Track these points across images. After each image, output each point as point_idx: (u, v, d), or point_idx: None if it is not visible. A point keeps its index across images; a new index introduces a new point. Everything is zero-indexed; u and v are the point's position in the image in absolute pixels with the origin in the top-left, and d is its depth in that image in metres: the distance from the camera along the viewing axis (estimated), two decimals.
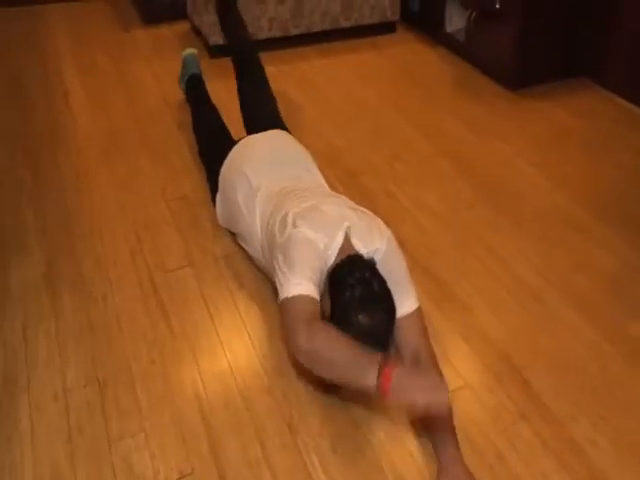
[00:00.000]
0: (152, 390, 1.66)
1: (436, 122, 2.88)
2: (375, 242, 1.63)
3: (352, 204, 1.80)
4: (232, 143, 2.18)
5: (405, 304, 1.61)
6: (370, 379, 1.26)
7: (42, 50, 3.40)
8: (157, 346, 1.77)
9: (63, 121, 2.80)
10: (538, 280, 2.02)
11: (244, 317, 1.87)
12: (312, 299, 1.43)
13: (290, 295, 1.44)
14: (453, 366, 1.73)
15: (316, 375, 1.41)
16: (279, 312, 1.51)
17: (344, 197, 1.88)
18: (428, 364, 1.58)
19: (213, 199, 2.20)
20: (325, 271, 1.55)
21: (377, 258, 1.60)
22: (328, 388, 1.64)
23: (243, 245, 2.03)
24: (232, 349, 1.77)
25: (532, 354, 1.78)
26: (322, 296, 1.54)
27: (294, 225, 1.59)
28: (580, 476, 1.48)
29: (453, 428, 1.48)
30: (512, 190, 2.45)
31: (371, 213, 1.76)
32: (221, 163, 2.12)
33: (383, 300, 1.51)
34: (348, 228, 1.60)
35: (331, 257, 1.56)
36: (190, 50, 2.89)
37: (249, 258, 2.03)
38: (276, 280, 1.54)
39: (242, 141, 2.15)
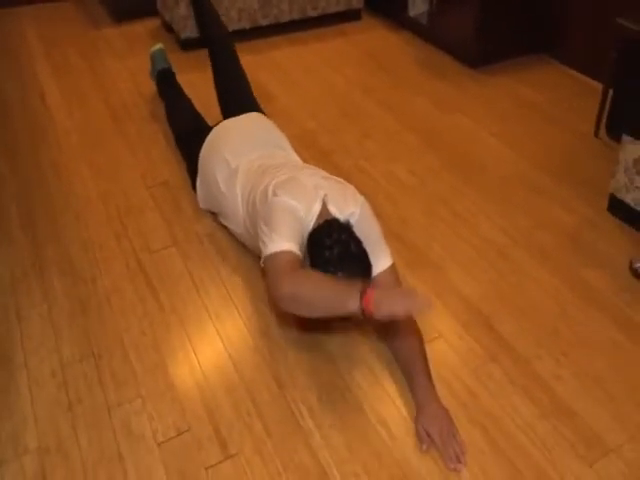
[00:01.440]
0: (145, 359, 1.75)
1: (402, 101, 3.00)
2: (350, 207, 1.74)
3: (325, 174, 1.91)
4: (208, 128, 2.27)
5: (380, 261, 1.73)
6: (353, 305, 1.37)
7: (14, 52, 3.46)
8: (147, 319, 1.87)
9: (41, 119, 2.86)
10: (503, 239, 2.16)
11: (228, 287, 1.97)
12: (293, 253, 1.54)
13: (272, 251, 1.54)
14: (428, 320, 1.85)
15: (303, 317, 1.53)
16: (264, 274, 1.60)
17: (318, 168, 1.99)
18: (404, 327, 1.70)
19: (193, 184, 2.30)
20: (305, 236, 1.66)
21: (352, 221, 1.72)
22: (310, 326, 1.77)
23: (225, 223, 2.13)
24: (219, 316, 1.88)
25: (498, 303, 1.91)
26: (303, 258, 1.65)
27: (274, 194, 1.70)
28: (547, 407, 1.61)
29: (428, 371, 1.60)
30: (476, 159, 2.58)
31: (344, 181, 1.87)
32: (199, 148, 2.21)
33: (360, 259, 1.63)
34: (325, 196, 1.71)
35: (310, 224, 1.67)
36: (157, 46, 2.97)
37: (230, 235, 2.14)
38: (260, 244, 1.64)
39: (219, 125, 2.25)
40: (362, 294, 1.36)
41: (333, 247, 1.58)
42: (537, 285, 1.98)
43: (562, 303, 1.91)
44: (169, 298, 1.94)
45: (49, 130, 2.78)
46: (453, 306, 1.91)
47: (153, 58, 2.94)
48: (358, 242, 1.64)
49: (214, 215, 2.22)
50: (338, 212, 1.71)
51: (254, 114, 2.30)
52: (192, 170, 2.29)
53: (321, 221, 1.66)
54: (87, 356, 1.76)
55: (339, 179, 1.88)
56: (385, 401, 1.62)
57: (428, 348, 1.70)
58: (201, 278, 2.01)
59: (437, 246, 2.13)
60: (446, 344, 1.79)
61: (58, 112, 2.91)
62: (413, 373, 1.61)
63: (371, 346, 1.78)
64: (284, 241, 1.55)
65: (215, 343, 1.80)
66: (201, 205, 2.27)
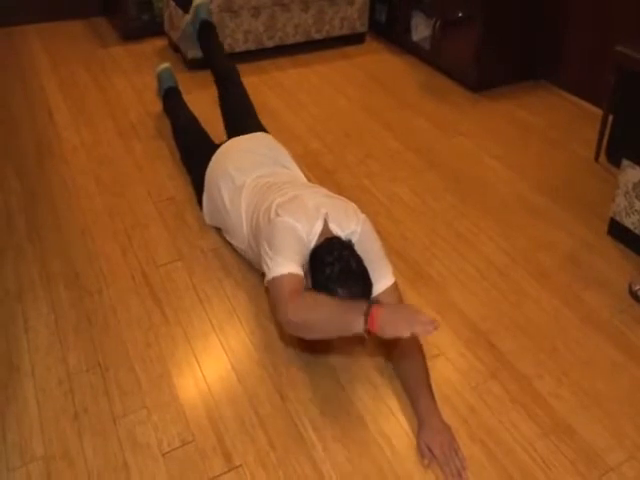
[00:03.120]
0: (150, 371, 1.77)
1: (404, 122, 3.06)
2: (351, 225, 1.78)
3: (328, 192, 1.96)
4: (214, 146, 2.32)
5: (382, 280, 1.76)
6: (358, 326, 1.39)
7: (23, 69, 3.51)
8: (152, 331, 1.89)
9: (49, 135, 2.90)
10: (504, 259, 2.19)
11: (232, 301, 2.00)
12: (296, 275, 1.58)
13: (277, 274, 1.58)
14: (429, 337, 1.87)
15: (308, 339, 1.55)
16: (268, 291, 1.65)
17: (320, 187, 2.03)
18: (407, 345, 1.73)
19: (198, 200, 2.33)
20: (307, 255, 1.69)
21: (354, 239, 1.75)
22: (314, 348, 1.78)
23: (229, 239, 2.17)
24: (223, 329, 1.90)
25: (499, 322, 1.94)
26: (305, 276, 1.68)
27: (277, 214, 1.74)
28: (547, 425, 1.64)
29: (430, 386, 1.63)
30: (477, 181, 2.63)
31: (346, 199, 1.91)
32: (205, 165, 2.25)
33: (360, 276, 1.65)
34: (326, 215, 1.75)
35: (311, 242, 1.70)
36: (164, 65, 3.03)
37: (235, 251, 2.17)
38: (263, 265, 1.68)
39: (225, 144, 2.29)
40: (367, 315, 1.38)
41: (334, 264, 1.61)
42: (537, 305, 2.01)
43: (562, 323, 1.95)
44: (174, 311, 1.96)
45: (57, 145, 2.82)
46: (454, 323, 1.94)
47: (160, 77, 2.99)
48: (359, 260, 1.67)
49: (219, 230, 2.26)
50: (339, 230, 1.74)
51: (260, 134, 2.35)
52: (198, 186, 2.33)
53: (322, 239, 1.69)
54: (93, 366, 1.78)
55: (341, 197, 1.92)
56: (387, 415, 1.65)
57: (429, 365, 1.72)
58: (206, 292, 2.04)
59: (438, 264, 2.17)
60: (447, 361, 1.81)
61: (66, 128, 2.96)
62: (415, 388, 1.64)
63: (373, 360, 1.81)
64: (287, 263, 1.59)
65: (219, 356, 1.82)
66: (207, 221, 2.30)
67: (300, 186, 2.01)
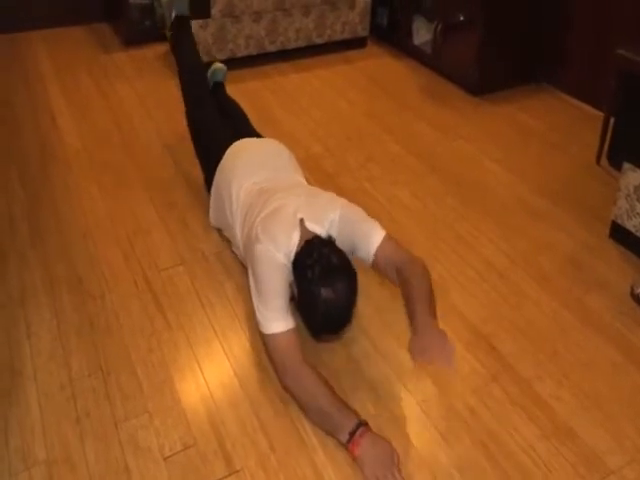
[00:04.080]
0: (152, 376, 1.78)
1: (406, 126, 3.07)
2: (329, 215, 1.79)
3: (315, 192, 1.98)
4: (226, 140, 2.27)
5: (373, 237, 1.77)
6: (342, 438, 1.53)
7: (26, 74, 3.53)
8: (155, 336, 1.90)
9: (52, 139, 2.92)
10: (504, 261, 2.20)
11: (234, 306, 2.01)
12: (290, 332, 1.66)
13: (269, 332, 1.66)
14: None
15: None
16: (263, 342, 1.73)
17: (311, 187, 2.08)
18: (411, 274, 1.72)
19: (208, 189, 2.31)
20: (290, 273, 1.70)
21: (334, 228, 1.77)
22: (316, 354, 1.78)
23: (229, 237, 2.18)
24: (225, 334, 1.91)
25: (499, 325, 1.95)
26: (291, 284, 1.69)
27: (257, 237, 1.76)
28: (548, 428, 1.64)
29: (432, 305, 1.63)
30: (478, 184, 2.64)
31: (326, 192, 1.94)
32: (216, 164, 2.23)
33: (343, 270, 1.65)
34: (301, 220, 1.76)
35: (292, 252, 1.71)
36: None
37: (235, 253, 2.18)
38: (254, 306, 1.72)
39: (237, 143, 2.26)
40: (352, 434, 1.51)
41: (314, 266, 1.62)
42: (537, 307, 2.02)
43: (562, 325, 1.95)
44: (176, 316, 1.97)
45: (60, 150, 2.83)
46: (455, 326, 1.94)
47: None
48: (340, 254, 1.68)
49: (221, 234, 2.27)
50: (319, 227, 1.76)
51: (270, 139, 2.37)
52: (209, 176, 2.30)
53: (303, 243, 1.70)
54: (95, 371, 1.79)
55: (325, 192, 1.95)
56: (388, 419, 1.65)
57: (430, 369, 1.73)
58: (208, 297, 2.05)
59: (439, 267, 2.17)
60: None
61: (69, 133, 2.97)
62: (414, 308, 1.62)
63: (375, 366, 1.81)
64: (277, 317, 1.65)
65: (221, 360, 1.83)
66: (211, 220, 2.30)
67: (291, 189, 2.00)
